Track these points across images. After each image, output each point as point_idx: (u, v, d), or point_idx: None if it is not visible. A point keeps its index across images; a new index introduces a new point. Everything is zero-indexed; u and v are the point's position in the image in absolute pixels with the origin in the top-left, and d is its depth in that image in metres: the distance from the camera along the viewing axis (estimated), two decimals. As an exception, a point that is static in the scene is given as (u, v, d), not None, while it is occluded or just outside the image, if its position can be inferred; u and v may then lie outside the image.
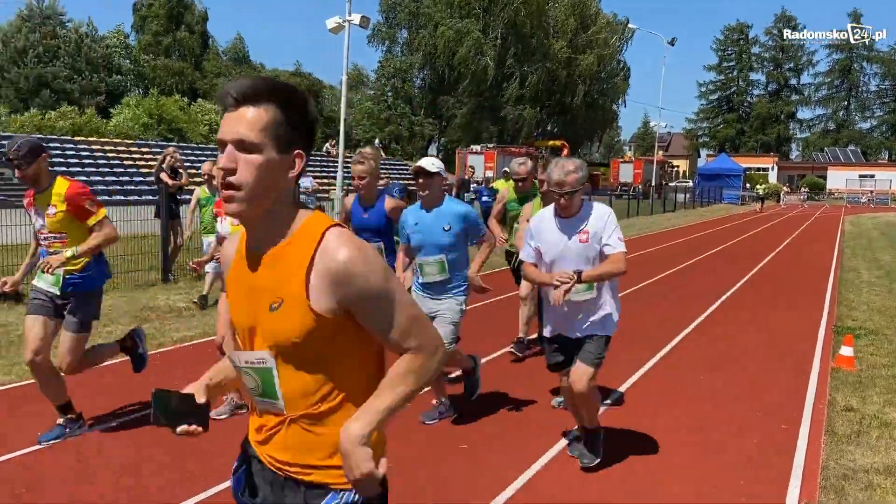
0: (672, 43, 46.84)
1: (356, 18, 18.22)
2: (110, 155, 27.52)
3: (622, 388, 5.91)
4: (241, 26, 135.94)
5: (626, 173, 52.23)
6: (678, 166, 77.14)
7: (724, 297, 10.70)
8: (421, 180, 4.67)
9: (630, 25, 59.32)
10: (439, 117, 59.68)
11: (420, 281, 4.82)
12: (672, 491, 4.01)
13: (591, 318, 4.02)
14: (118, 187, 24.43)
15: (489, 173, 36.71)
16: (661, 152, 61.51)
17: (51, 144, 27.16)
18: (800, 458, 4.48)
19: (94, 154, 27.22)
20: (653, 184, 45.29)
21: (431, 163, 4.69)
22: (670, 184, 53.05)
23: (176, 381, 5.76)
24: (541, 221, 4.12)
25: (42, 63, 48.47)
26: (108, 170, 25.93)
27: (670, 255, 16.78)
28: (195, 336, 7.26)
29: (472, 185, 17.62)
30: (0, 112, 33.97)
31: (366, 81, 64.08)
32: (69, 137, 29.71)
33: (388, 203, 5.30)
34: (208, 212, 8.35)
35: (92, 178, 24.52)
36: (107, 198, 22.21)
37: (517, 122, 58.36)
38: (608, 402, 5.54)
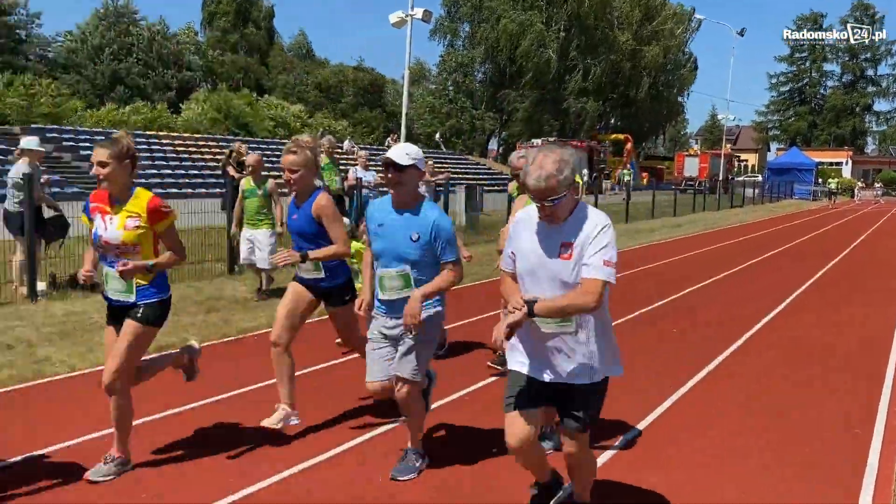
0: (741, 33, 45.52)
1: (419, 13, 18.27)
2: (179, 149, 28.33)
3: (683, 390, 5.78)
4: (305, 21, 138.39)
5: (692, 167, 51.10)
6: (746, 160, 75.07)
7: (792, 297, 10.37)
8: (390, 174, 3.77)
9: (697, 15, 58.00)
10: (500, 111, 59.48)
11: (379, 297, 3.95)
12: (738, 496, 3.91)
13: (572, 360, 3.07)
14: (186, 181, 25.13)
15: (550, 167, 36.42)
16: (728, 146, 59.90)
17: (124, 139, 28.10)
18: (872, 466, 4.31)
19: (165, 148, 28.10)
20: (720, 178, 44.21)
21: (404, 153, 3.78)
22: (738, 178, 51.66)
23: (242, 370, 5.91)
24: (524, 220, 3.16)
25: (117, 60, 50.17)
26: (177, 163, 26.69)
27: (736, 251, 16.34)
28: (260, 326, 7.42)
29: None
30: (77, 107, 35.30)
31: (427, 76, 64.29)
32: (141, 132, 30.72)
33: (317, 202, 4.28)
34: (252, 203, 8.49)
35: (162, 171, 25.32)
36: (176, 190, 22.90)
37: (580, 115, 57.71)
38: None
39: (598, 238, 2.94)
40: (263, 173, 8.76)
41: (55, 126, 28.32)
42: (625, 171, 46.52)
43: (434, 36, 60.17)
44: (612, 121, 64.33)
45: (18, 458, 4.11)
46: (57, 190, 17.24)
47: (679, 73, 64.12)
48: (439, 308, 3.96)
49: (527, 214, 3.14)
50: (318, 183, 4.37)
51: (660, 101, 62.84)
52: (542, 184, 2.87)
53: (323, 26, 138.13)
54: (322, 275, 4.36)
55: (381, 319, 3.97)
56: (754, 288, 11.10)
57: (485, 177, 38.31)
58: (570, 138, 49.77)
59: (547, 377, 3.10)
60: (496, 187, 30.91)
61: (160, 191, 22.52)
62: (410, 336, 3.84)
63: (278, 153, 32.47)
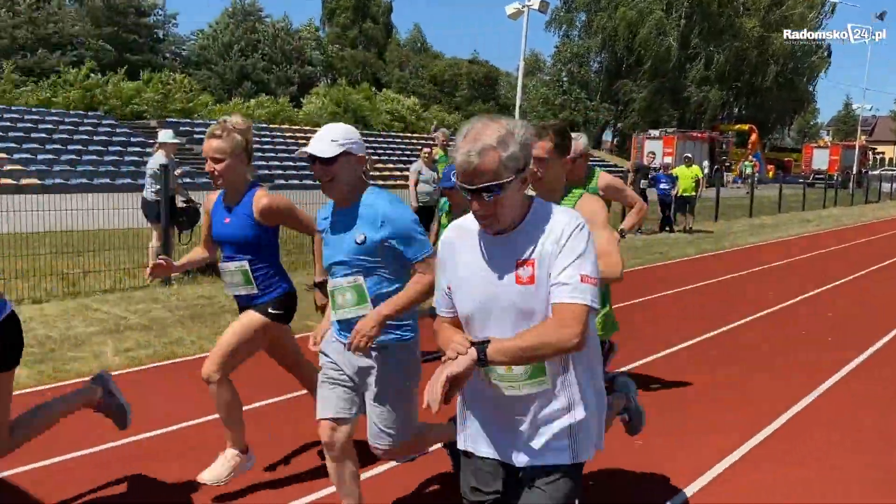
0: (881, 17, 42.50)
1: (535, 3, 18.14)
2: (301, 142, 29.40)
3: (816, 393, 5.47)
4: (421, 15, 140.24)
5: (821, 160, 48.21)
6: (883, 153, 70.10)
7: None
8: (317, 170, 2.94)
9: (831, -1, 54.55)
10: (616, 102, 58.18)
11: (334, 318, 3.08)
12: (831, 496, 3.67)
13: (544, 432, 2.11)
14: (307, 172, 26.06)
15: (667, 159, 35.36)
16: (863, 137, 56.08)
17: (249, 132, 29.55)
18: None
19: (287, 141, 29.31)
20: (852, 171, 41.49)
21: (329, 140, 2.92)
22: (873, 172, 48.32)
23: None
24: (457, 237, 2.19)
25: (244, 56, 52.60)
26: (297, 156, 27.80)
27: (870, 249, 15.29)
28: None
29: (649, 172, 16.97)
30: (207, 102, 37.26)
31: (542, 67, 63.72)
32: (266, 125, 32.12)
33: (257, 202, 3.44)
34: None
35: (284, 162, 26.40)
36: (297, 182, 23.79)
37: (701, 104, 55.61)
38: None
39: (570, 244, 2.01)
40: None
41: (187, 120, 30.06)
42: (747, 163, 44.46)
43: (549, 26, 59.55)
44: (736, 110, 61.58)
45: (155, 431, 4.39)
46: (188, 180, 18.28)
47: (810, 59, 60.50)
48: (409, 336, 3.00)
49: (460, 227, 2.19)
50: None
51: (788, 89, 59.57)
52: (474, 160, 1.93)
53: (439, 20, 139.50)
54: (255, 289, 3.52)
55: (339, 356, 3.07)
56: (893, 288, 10.34)
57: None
58: (691, 129, 48.08)
59: (504, 457, 2.16)
60: (611, 180, 30.30)
61: (282, 182, 23.47)
62: (376, 390, 2.97)
63: (394, 146, 33.16)
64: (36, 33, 42.41)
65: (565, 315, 1.97)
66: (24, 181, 20.93)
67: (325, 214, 3.09)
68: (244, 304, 3.57)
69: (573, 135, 4.45)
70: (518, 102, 17.55)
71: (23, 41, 41.87)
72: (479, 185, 1.95)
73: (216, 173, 3.38)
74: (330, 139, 2.91)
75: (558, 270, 2.00)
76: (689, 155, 19.01)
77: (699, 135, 43.63)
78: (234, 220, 3.46)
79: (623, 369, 5.91)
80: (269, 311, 3.51)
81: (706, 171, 20.67)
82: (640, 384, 5.54)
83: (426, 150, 10.89)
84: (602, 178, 4.80)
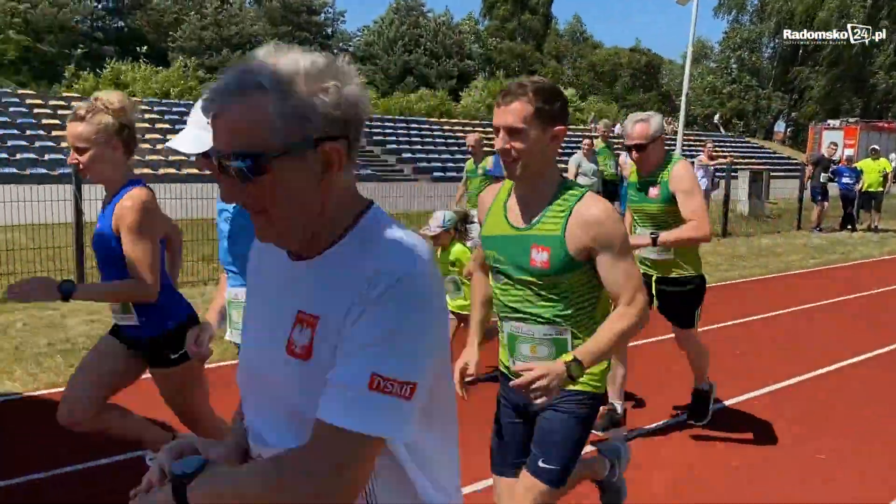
0: None
1: (705, -13, 17.28)
2: (458, 135, 29.86)
3: None
4: (581, 5, 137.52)
5: None
6: None
7: None
8: (200, 161, 2.54)
9: None
10: (790, 90, 54.45)
11: (230, 337, 2.60)
12: None
13: None
14: (463, 165, 26.47)
15: (849, 151, 32.66)
16: None
17: (411, 124, 30.34)
18: None
19: (445, 133, 29.86)
20: None
21: (205, 122, 1.90)
22: None
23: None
24: (265, 248, 1.27)
25: (407, 51, 54.13)
26: (455, 148, 28.16)
27: None
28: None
29: (830, 165, 15.72)
30: (372, 96, 38.74)
31: (708, 54, 60.83)
32: (425, 118, 32.91)
33: (123, 203, 2.58)
34: (473, 183, 8.62)
35: (442, 155, 26.91)
36: (454, 174, 24.18)
37: (889, 92, 50.87)
38: None
39: (374, 310, 1.08)
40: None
41: (353, 114, 31.37)
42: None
43: (718, 12, 56.81)
44: (930, 99, 55.86)
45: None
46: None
47: None
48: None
49: (261, 253, 1.34)
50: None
51: None
52: (217, 104, 1.09)
53: (600, 9, 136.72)
54: (133, 319, 2.74)
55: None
56: None
57: (769, 161, 35.40)
58: (877, 119, 44.13)
59: None
60: (783, 173, 28.45)
61: (440, 174, 23.92)
62: None
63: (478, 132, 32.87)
64: (220, 34, 45.88)
65: (321, 452, 1.06)
66: (206, 170, 22.72)
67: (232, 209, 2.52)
68: (129, 335, 2.81)
69: (643, 115, 3.81)
70: (685, 90, 16.78)
71: (209, 42, 45.44)
72: (223, 150, 1.09)
73: (80, 165, 2.59)
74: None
75: (341, 359, 1.09)
76: (877, 147, 17.43)
77: (886, 125, 39.97)
78: (102, 226, 2.66)
79: (799, 379, 5.52)
80: (171, 357, 2.79)
81: (894, 164, 18.80)
82: (821, 394, 5.13)
83: (586, 141, 10.70)
84: (679, 167, 3.79)
